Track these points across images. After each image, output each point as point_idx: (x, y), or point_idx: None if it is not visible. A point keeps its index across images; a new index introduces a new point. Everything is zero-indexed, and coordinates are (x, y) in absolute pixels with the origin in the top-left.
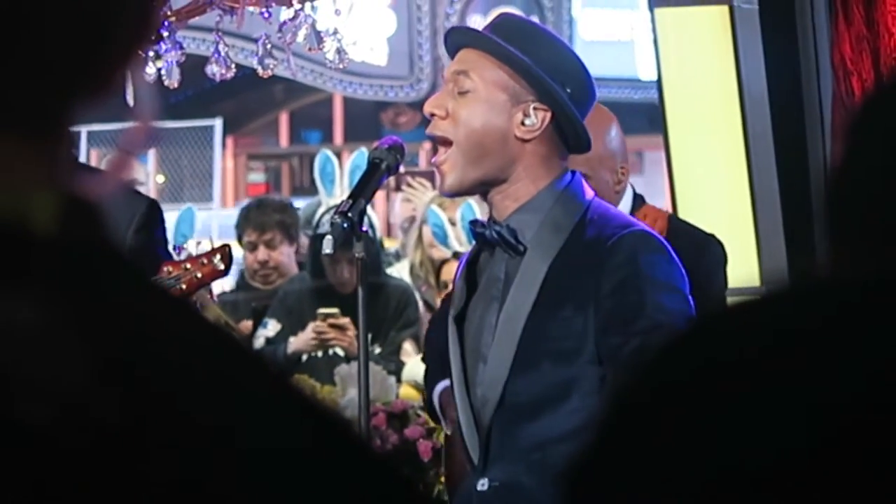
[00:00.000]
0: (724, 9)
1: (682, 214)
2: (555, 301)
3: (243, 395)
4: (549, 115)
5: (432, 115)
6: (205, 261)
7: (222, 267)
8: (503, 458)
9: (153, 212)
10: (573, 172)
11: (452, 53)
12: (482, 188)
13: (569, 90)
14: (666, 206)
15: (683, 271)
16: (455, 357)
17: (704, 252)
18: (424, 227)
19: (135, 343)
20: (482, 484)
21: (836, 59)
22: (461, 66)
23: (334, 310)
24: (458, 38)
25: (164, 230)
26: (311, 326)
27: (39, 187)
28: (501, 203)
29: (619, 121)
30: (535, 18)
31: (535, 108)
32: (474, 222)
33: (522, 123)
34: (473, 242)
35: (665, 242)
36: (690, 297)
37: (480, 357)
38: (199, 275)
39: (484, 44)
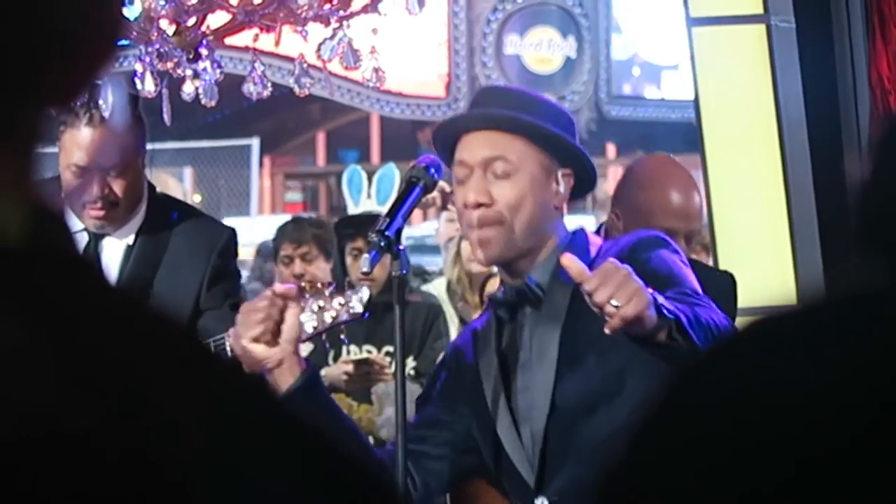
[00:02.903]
0: (762, 28)
1: (719, 234)
2: (586, 309)
3: (217, 407)
4: (572, 177)
5: (479, 205)
6: (342, 301)
7: (360, 310)
8: (565, 465)
9: (233, 240)
10: (579, 229)
11: (456, 136)
12: (519, 258)
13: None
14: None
15: (689, 264)
16: (495, 393)
17: (708, 279)
18: (464, 242)
19: (105, 356)
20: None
21: (873, 78)
22: (493, 150)
23: (365, 356)
24: (475, 122)
25: (237, 259)
26: (341, 362)
27: (7, 197)
28: (522, 266)
29: (656, 140)
30: (571, 38)
31: (563, 175)
32: (493, 295)
33: (557, 192)
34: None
35: (672, 242)
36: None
37: (521, 408)
38: (334, 314)
39: (509, 124)
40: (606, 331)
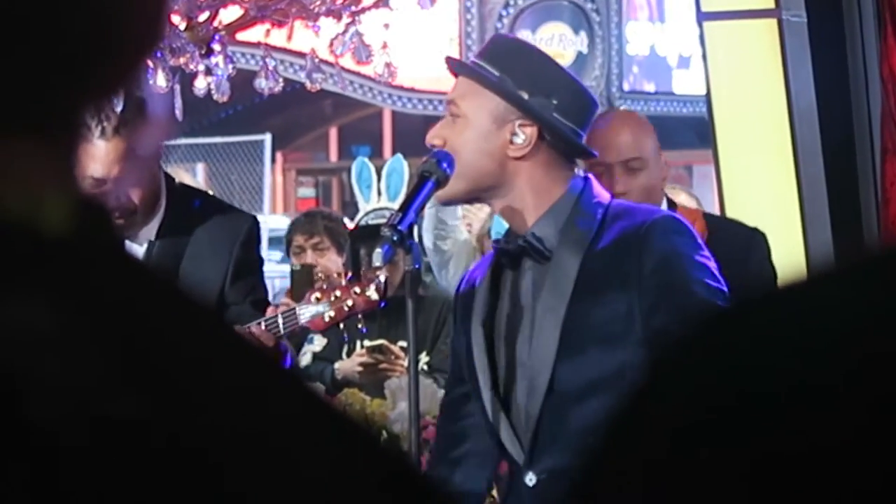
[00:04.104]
0: (773, 22)
1: None
2: (595, 287)
3: (260, 397)
4: (535, 129)
5: (433, 145)
6: (357, 290)
7: (376, 297)
8: (554, 444)
9: (256, 228)
10: (586, 178)
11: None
12: (474, 198)
13: (555, 101)
14: None
15: (707, 254)
16: (481, 363)
17: (751, 247)
18: (486, 239)
19: (148, 345)
20: (530, 479)
21: (884, 73)
22: (451, 94)
23: (380, 341)
24: (451, 66)
25: (260, 248)
26: (356, 356)
27: (52, 189)
28: (517, 218)
29: (667, 135)
30: (583, 34)
31: (520, 126)
32: (497, 241)
33: (511, 142)
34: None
35: (691, 229)
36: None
37: (517, 362)
38: (350, 303)
39: (464, 69)
40: None
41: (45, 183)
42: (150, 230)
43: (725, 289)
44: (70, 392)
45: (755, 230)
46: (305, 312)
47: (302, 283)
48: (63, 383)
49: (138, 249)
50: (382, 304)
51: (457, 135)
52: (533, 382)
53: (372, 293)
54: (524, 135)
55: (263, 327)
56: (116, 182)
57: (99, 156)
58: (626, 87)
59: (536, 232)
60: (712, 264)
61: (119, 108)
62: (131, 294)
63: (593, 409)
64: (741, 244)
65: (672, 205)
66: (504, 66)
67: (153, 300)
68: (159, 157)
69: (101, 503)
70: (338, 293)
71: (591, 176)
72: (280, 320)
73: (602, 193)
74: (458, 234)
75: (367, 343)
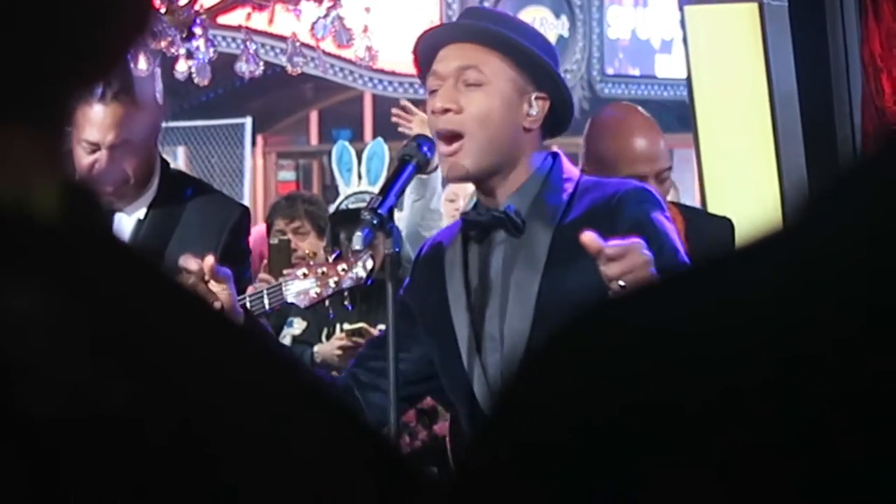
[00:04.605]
0: (754, 6)
1: (711, 211)
2: (567, 259)
3: (251, 382)
4: (548, 103)
5: (446, 110)
6: (344, 267)
7: (363, 275)
8: None
9: (246, 217)
10: (555, 154)
11: (435, 49)
12: (488, 177)
13: (562, 74)
14: (695, 202)
15: (675, 228)
16: (462, 331)
17: (733, 235)
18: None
19: (139, 330)
20: None
21: (865, 56)
22: (466, 60)
23: (360, 325)
24: (454, 33)
25: (248, 238)
26: (335, 339)
27: (42, 175)
28: (496, 191)
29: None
30: (564, 18)
31: (536, 98)
32: (467, 213)
33: (527, 114)
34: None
35: (661, 200)
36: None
37: (485, 335)
38: (336, 280)
39: (486, 37)
40: None
41: (36, 169)
42: (141, 206)
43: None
44: (63, 382)
45: (726, 220)
46: (291, 288)
47: (280, 258)
48: (57, 374)
49: (127, 223)
50: (370, 282)
51: (481, 103)
52: (509, 356)
53: (359, 270)
54: (538, 107)
55: (248, 304)
56: (111, 148)
57: (96, 120)
58: (609, 70)
59: (515, 205)
60: (678, 237)
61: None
62: (123, 281)
63: None
64: (724, 235)
65: None
66: (517, 33)
67: (144, 287)
68: (156, 133)
69: (96, 493)
70: (324, 269)
71: (559, 152)
72: (265, 296)
73: (571, 170)
74: (440, 222)
75: (346, 326)
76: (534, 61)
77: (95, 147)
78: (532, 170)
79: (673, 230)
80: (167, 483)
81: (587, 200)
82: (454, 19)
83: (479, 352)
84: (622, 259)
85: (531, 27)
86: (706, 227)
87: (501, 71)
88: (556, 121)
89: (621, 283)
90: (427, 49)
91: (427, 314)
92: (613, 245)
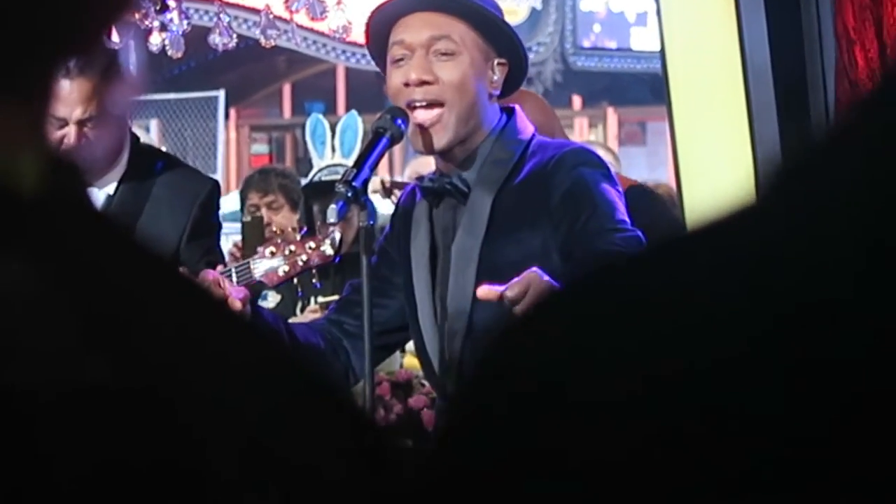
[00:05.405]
0: None
1: (685, 185)
2: (507, 226)
3: (233, 358)
4: (507, 68)
5: (423, 82)
6: (312, 245)
7: (331, 252)
8: None
9: (216, 192)
10: (512, 110)
11: (394, 18)
12: (456, 145)
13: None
14: (669, 176)
15: (620, 189)
16: (421, 291)
17: (656, 224)
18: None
19: (123, 307)
20: None
21: (838, 29)
22: (437, 30)
23: (334, 297)
24: (421, 2)
25: (219, 212)
26: (308, 311)
27: (24, 148)
28: (455, 156)
29: (621, 91)
30: None
31: (498, 64)
32: (421, 178)
33: (492, 81)
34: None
35: (603, 160)
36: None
37: (439, 298)
38: (305, 258)
39: (453, 5)
40: None
41: (16, 142)
42: (110, 181)
43: (628, 220)
44: (47, 356)
45: (669, 211)
46: (259, 267)
47: (253, 235)
48: (40, 347)
49: (98, 195)
50: (337, 259)
51: (457, 72)
52: (452, 324)
53: (326, 248)
54: (499, 73)
55: None
56: (78, 124)
57: (62, 95)
58: (584, 43)
59: (462, 173)
60: (617, 197)
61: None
62: (104, 254)
63: None
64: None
65: None
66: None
67: (126, 261)
68: (127, 107)
69: (77, 467)
70: (292, 248)
71: (516, 107)
72: (234, 274)
73: (525, 128)
74: None
75: (320, 299)
76: (497, 28)
77: (63, 123)
78: (485, 133)
79: (611, 191)
80: (142, 454)
81: (530, 165)
82: None
83: (435, 314)
84: (525, 294)
85: None
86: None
87: (469, 39)
88: (511, 84)
89: None
90: (386, 18)
91: (399, 266)
92: (512, 286)
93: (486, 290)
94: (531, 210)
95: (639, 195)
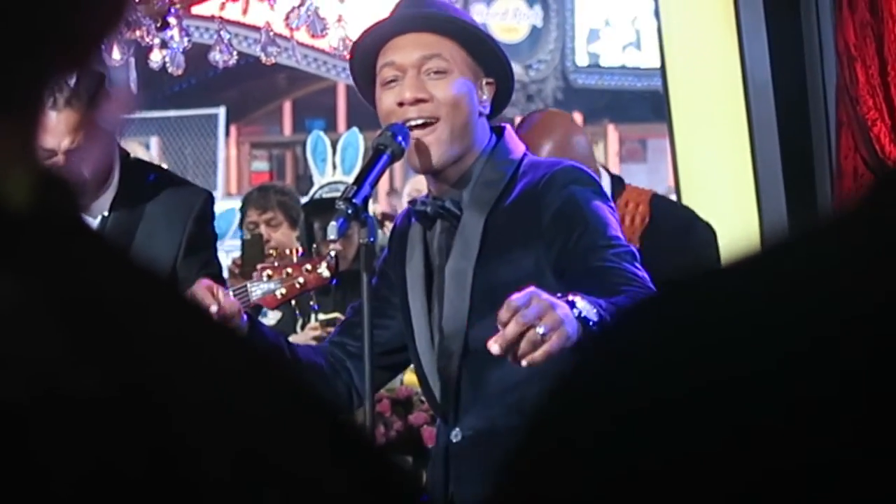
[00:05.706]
0: None
1: (685, 202)
2: (500, 247)
3: (224, 371)
4: (494, 87)
5: (418, 100)
6: (309, 267)
7: (328, 275)
8: (476, 405)
9: (210, 204)
10: (503, 129)
11: (382, 40)
12: (449, 165)
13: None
14: (670, 193)
15: (612, 206)
16: (416, 312)
17: (690, 232)
18: None
19: (113, 320)
20: (455, 434)
21: (840, 46)
22: (428, 49)
23: (334, 315)
24: (410, 23)
25: (214, 224)
26: (309, 329)
27: (14, 164)
28: (448, 178)
29: (622, 109)
30: (538, 7)
31: (486, 83)
32: (414, 201)
33: (481, 100)
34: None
35: (595, 176)
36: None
37: (435, 321)
38: (302, 281)
39: (443, 25)
40: (524, 364)
41: (8, 158)
42: (103, 204)
43: (621, 236)
44: (35, 370)
45: (694, 216)
46: (257, 290)
47: (252, 252)
48: (28, 361)
49: (91, 223)
50: (334, 282)
51: (450, 90)
52: (448, 346)
53: (323, 270)
54: (487, 92)
55: None
56: (67, 154)
57: (49, 126)
58: (580, 60)
59: (455, 194)
60: (609, 214)
61: (72, 80)
62: (96, 271)
63: (511, 370)
64: (679, 230)
65: (617, 181)
66: (466, 19)
67: (117, 277)
68: (117, 132)
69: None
70: (289, 270)
71: (507, 126)
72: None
73: (516, 148)
74: None
75: (321, 317)
76: (485, 46)
77: (52, 153)
78: (477, 153)
79: (603, 207)
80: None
81: (521, 184)
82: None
83: (431, 335)
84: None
85: (465, 14)
86: (668, 220)
87: (459, 57)
88: (498, 104)
89: (540, 329)
90: (373, 41)
91: (397, 288)
92: (509, 331)
93: (491, 345)
94: (523, 230)
95: (663, 203)
